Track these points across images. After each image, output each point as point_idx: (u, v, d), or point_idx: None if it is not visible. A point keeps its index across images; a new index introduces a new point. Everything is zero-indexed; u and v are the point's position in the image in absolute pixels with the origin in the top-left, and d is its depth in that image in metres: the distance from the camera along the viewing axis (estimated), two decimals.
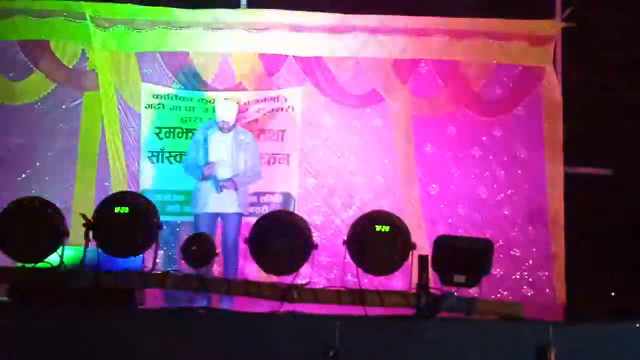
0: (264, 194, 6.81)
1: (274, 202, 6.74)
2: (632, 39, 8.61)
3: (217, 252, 4.58)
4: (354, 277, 4.80)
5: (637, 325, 4.42)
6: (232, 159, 6.11)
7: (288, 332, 4.29)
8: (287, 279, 4.67)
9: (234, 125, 6.25)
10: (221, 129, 6.17)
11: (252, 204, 6.73)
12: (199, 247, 4.52)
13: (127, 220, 4.27)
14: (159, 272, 4.46)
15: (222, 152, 6.08)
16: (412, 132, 7.10)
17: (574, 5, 7.11)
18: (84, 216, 4.34)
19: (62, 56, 7.01)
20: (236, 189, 6.03)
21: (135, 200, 4.43)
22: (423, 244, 6.06)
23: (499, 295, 6.58)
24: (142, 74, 7.00)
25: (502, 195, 7.04)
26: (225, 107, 6.30)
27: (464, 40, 7.08)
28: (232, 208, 6.02)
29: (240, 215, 6.09)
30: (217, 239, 5.87)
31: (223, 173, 6.03)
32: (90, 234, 4.41)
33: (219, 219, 6.08)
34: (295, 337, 4.26)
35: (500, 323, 4.38)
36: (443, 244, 4.44)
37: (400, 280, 5.49)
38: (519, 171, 7.06)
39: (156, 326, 4.24)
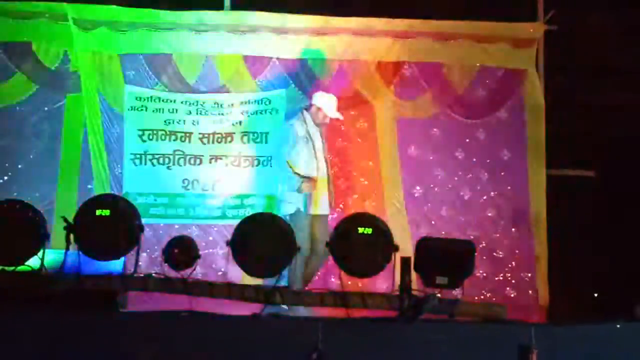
0: (247, 196, 6.80)
1: (257, 205, 6.73)
2: (614, 42, 8.68)
3: (199, 254, 4.57)
4: (337, 279, 4.80)
5: (618, 325, 4.45)
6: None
7: (271, 335, 4.28)
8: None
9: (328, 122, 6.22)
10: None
11: (236, 206, 6.72)
12: (181, 250, 4.51)
13: (108, 222, 4.24)
14: (141, 275, 4.43)
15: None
16: (396, 134, 7.12)
17: (556, 8, 7.16)
18: (64, 219, 4.31)
19: (44, 58, 6.96)
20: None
21: (117, 203, 4.40)
22: (407, 246, 6.08)
23: (482, 297, 6.61)
24: (125, 75, 6.95)
25: (485, 197, 7.07)
26: (329, 101, 6.24)
27: (447, 42, 7.11)
28: (320, 209, 5.99)
29: (327, 216, 6.06)
30: None
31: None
32: (72, 236, 4.37)
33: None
34: (278, 340, 4.25)
35: (483, 324, 4.40)
36: (425, 246, 4.45)
37: (384, 283, 5.50)
38: (502, 173, 7.10)
39: (139, 329, 4.21)
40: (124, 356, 4.14)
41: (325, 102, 6.22)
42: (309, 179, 5.81)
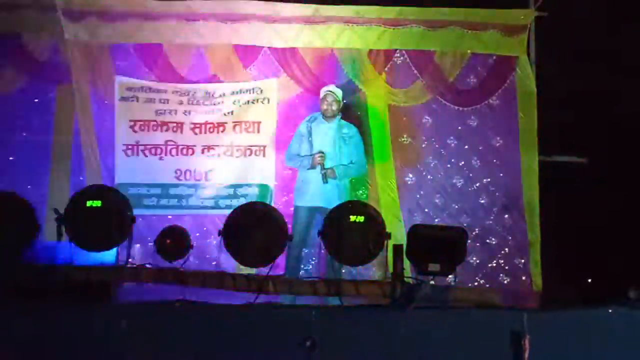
0: (240, 185, 6.80)
1: (251, 194, 6.71)
2: (605, 28, 8.68)
3: (191, 244, 4.56)
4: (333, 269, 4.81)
5: (610, 310, 4.47)
6: (334, 150, 5.99)
7: (264, 324, 4.28)
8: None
9: (338, 112, 6.11)
10: (324, 116, 6.01)
11: (229, 196, 6.71)
12: (173, 240, 4.50)
13: (99, 214, 4.23)
14: (133, 265, 4.43)
15: (326, 144, 5.97)
16: (388, 122, 7.11)
17: None
18: (56, 210, 4.30)
19: (34, 49, 6.93)
20: (334, 177, 5.95)
21: (108, 194, 4.39)
22: (400, 234, 6.10)
23: (475, 284, 6.63)
24: (116, 66, 6.94)
25: (477, 184, 7.07)
26: (330, 87, 6.23)
27: (438, 29, 7.09)
28: (332, 204, 5.83)
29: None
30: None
31: (326, 166, 5.94)
32: (63, 228, 4.37)
33: (318, 214, 5.96)
34: (272, 328, 4.26)
35: (475, 311, 4.41)
36: (417, 233, 4.45)
37: (379, 271, 5.53)
38: (495, 160, 7.10)
39: (132, 320, 4.21)
40: (117, 346, 4.14)
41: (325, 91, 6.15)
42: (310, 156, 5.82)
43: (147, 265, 4.41)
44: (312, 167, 5.85)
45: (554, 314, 4.63)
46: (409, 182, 7.06)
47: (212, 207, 6.75)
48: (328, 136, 5.97)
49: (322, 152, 5.84)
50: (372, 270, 6.15)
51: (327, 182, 5.82)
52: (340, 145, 6.02)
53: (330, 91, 6.25)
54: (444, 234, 4.47)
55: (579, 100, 8.44)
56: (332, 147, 5.93)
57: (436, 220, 6.77)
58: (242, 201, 6.57)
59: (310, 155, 5.89)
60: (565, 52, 8.01)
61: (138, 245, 6.40)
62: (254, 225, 4.43)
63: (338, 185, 6.02)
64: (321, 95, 6.14)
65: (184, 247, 4.49)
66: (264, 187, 6.71)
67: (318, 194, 5.81)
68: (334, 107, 6.10)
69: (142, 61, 6.97)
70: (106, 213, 4.23)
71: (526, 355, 4.13)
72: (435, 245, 4.38)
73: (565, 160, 7.65)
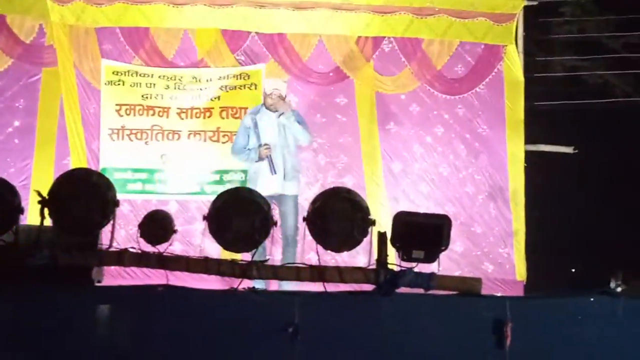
0: (226, 171, 6.77)
1: (237, 180, 6.70)
2: (593, 19, 8.71)
3: (175, 229, 4.54)
4: (317, 254, 4.80)
5: (592, 299, 4.49)
6: (279, 139, 5.94)
7: (247, 309, 4.27)
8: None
9: (283, 101, 6.02)
10: (268, 107, 6.01)
11: (214, 182, 6.70)
12: (157, 224, 4.48)
13: (82, 197, 4.20)
14: (116, 249, 4.41)
15: (272, 134, 5.93)
16: (376, 110, 7.11)
17: None
18: (38, 193, 4.26)
19: (19, 31, 6.88)
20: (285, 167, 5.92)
21: (91, 177, 4.35)
22: (386, 222, 6.09)
23: (460, 272, 6.64)
24: (102, 49, 6.91)
25: (464, 172, 7.09)
26: (273, 81, 6.16)
27: (427, 17, 7.09)
28: (288, 190, 5.92)
29: (296, 197, 5.98)
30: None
31: (275, 155, 5.90)
32: (46, 211, 4.33)
33: (274, 202, 5.87)
34: (255, 314, 4.25)
35: (458, 298, 4.41)
36: (401, 220, 4.43)
37: (365, 258, 5.51)
38: (481, 149, 7.12)
39: (115, 304, 4.19)
40: (98, 330, 4.12)
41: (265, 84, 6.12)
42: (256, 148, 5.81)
43: (131, 249, 4.38)
44: (260, 159, 5.85)
45: (536, 301, 4.65)
46: (395, 170, 7.06)
47: (198, 193, 6.74)
48: (272, 126, 5.92)
49: (268, 145, 5.83)
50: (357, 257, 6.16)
51: (275, 173, 5.82)
52: (283, 131, 5.93)
53: (277, 89, 6.12)
54: (428, 221, 4.45)
55: (566, 90, 8.48)
56: (276, 137, 5.90)
57: (422, 208, 6.77)
58: (228, 187, 6.52)
59: (258, 147, 5.88)
60: (553, 41, 8.05)
61: (122, 231, 6.40)
62: (238, 211, 4.39)
63: (284, 164, 5.94)
64: (267, 91, 6.05)
65: (167, 231, 4.46)
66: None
67: (270, 183, 5.81)
68: (278, 104, 6.03)
69: (129, 45, 6.93)
70: (89, 196, 4.20)
71: (508, 342, 4.14)
72: (420, 232, 4.36)
73: (552, 150, 7.69)
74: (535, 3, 7.30)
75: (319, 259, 4.75)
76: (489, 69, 7.12)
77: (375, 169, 7.02)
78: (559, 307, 4.44)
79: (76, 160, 6.66)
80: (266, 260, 4.68)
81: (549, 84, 8.23)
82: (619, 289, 6.75)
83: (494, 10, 7.08)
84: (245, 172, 6.69)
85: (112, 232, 4.41)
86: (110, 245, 4.40)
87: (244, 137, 6.01)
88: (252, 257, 4.53)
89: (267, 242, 5.65)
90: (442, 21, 7.08)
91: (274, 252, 5.96)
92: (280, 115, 5.95)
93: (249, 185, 5.97)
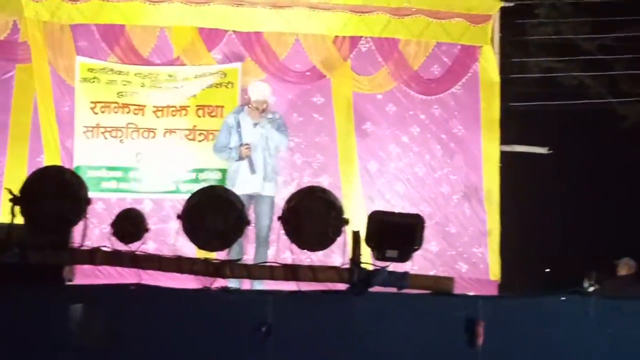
0: (202, 170, 6.74)
1: (213, 179, 6.67)
2: (568, 21, 8.79)
3: (148, 227, 4.52)
4: (293, 253, 4.80)
5: (564, 299, 4.53)
6: (261, 141, 5.91)
7: (221, 308, 4.26)
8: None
9: (267, 107, 6.00)
10: (252, 114, 5.92)
11: (190, 181, 6.66)
12: (129, 223, 4.45)
13: (54, 195, 4.16)
14: (88, 247, 4.37)
15: (254, 135, 5.90)
16: (352, 110, 7.11)
17: None
18: (9, 191, 4.21)
19: None
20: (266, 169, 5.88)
21: (63, 175, 4.31)
22: (362, 221, 6.09)
23: (435, 271, 6.67)
24: (77, 46, 6.85)
25: (439, 172, 7.12)
26: (259, 88, 6.06)
27: (404, 18, 7.11)
28: (266, 190, 5.87)
29: (273, 198, 5.93)
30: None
31: (255, 156, 5.88)
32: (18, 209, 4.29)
33: (252, 202, 5.87)
34: (228, 313, 4.24)
35: (431, 297, 4.43)
36: (375, 220, 4.44)
37: (340, 257, 5.52)
38: (457, 149, 7.15)
39: (88, 302, 4.16)
40: (70, 329, 4.08)
41: (251, 89, 6.09)
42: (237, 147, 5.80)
43: (103, 248, 4.35)
44: (240, 158, 5.84)
45: (508, 301, 4.68)
46: (371, 170, 7.08)
47: (173, 192, 6.70)
48: (255, 128, 5.92)
49: (248, 144, 5.82)
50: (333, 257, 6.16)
51: (255, 173, 5.81)
52: (267, 131, 5.92)
53: (261, 92, 6.08)
54: (401, 221, 4.47)
55: (542, 91, 8.56)
56: (259, 138, 5.89)
57: (397, 207, 6.78)
58: (204, 185, 6.50)
59: (239, 146, 5.86)
60: (529, 42, 8.13)
61: (96, 229, 6.35)
62: (212, 209, 4.38)
63: (264, 165, 5.93)
64: (253, 96, 6.01)
65: (140, 230, 4.43)
66: (226, 172, 6.63)
67: (248, 182, 5.81)
68: (264, 106, 6.00)
69: (104, 42, 6.89)
70: (61, 194, 4.16)
71: (480, 341, 4.16)
72: (393, 231, 4.38)
73: (526, 151, 7.75)
74: (511, 4, 7.35)
75: (292, 258, 4.75)
76: (465, 69, 7.16)
77: (351, 169, 7.03)
78: (531, 307, 4.47)
79: (50, 157, 6.60)
80: (240, 260, 4.67)
81: (524, 85, 8.30)
82: (591, 289, 6.85)
83: (471, 11, 7.12)
84: (221, 170, 6.67)
85: (84, 231, 4.37)
86: (82, 244, 4.36)
87: (226, 136, 5.99)
88: (228, 255, 4.52)
89: (244, 241, 5.69)
90: (419, 21, 7.11)
91: (250, 251, 5.98)
92: (255, 125, 5.93)
93: (228, 183, 5.96)
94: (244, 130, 5.90)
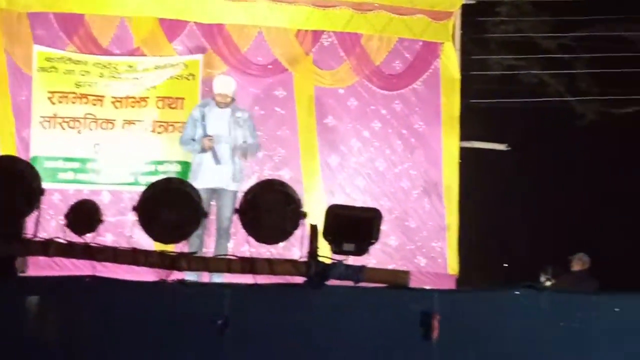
0: (161, 162, 6.68)
1: (172, 171, 6.62)
2: (529, 20, 8.90)
3: (102, 219, 4.46)
4: (252, 246, 4.80)
5: (518, 292, 4.59)
6: (229, 134, 5.85)
7: (176, 301, 4.23)
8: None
9: (232, 101, 5.98)
10: (218, 105, 5.91)
11: (149, 173, 6.60)
12: (83, 214, 4.39)
13: (6, 185, 4.09)
14: (42, 239, 4.30)
15: (220, 127, 5.84)
16: (314, 104, 7.11)
17: None
18: None
19: None
20: (245, 158, 5.87)
21: (15, 165, 4.24)
22: (322, 215, 6.10)
23: (394, 265, 6.71)
24: (35, 35, 6.73)
25: (399, 167, 7.16)
26: (223, 82, 6.02)
27: (366, 13, 7.13)
28: (229, 185, 5.83)
29: (236, 192, 5.86)
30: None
31: (221, 148, 5.82)
32: None
33: (214, 195, 5.85)
34: (185, 306, 4.21)
35: (387, 290, 4.45)
36: (333, 213, 4.45)
37: (299, 251, 5.52)
38: (417, 144, 7.19)
39: (42, 295, 4.10)
40: (22, 323, 4.02)
41: (215, 82, 6.08)
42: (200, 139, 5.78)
43: (57, 240, 4.28)
44: (203, 150, 5.82)
45: (464, 294, 4.72)
46: (332, 164, 7.09)
47: (131, 183, 6.63)
48: (222, 120, 5.86)
49: (211, 136, 5.80)
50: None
51: (219, 163, 5.79)
52: (235, 128, 5.91)
53: (224, 86, 6.06)
54: (359, 215, 4.49)
55: (502, 88, 8.65)
56: (225, 131, 5.86)
57: (358, 202, 6.81)
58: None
59: (202, 138, 5.84)
60: (490, 39, 8.20)
61: (53, 221, 6.26)
62: (168, 202, 4.34)
63: (233, 165, 5.92)
64: (216, 90, 5.99)
65: (94, 221, 4.38)
66: (185, 165, 6.60)
67: (212, 175, 5.78)
68: (227, 100, 5.98)
69: (63, 31, 6.78)
70: (13, 184, 4.09)
71: (435, 334, 4.20)
72: (351, 225, 4.39)
73: (486, 147, 7.83)
74: (472, 2, 7.42)
75: (251, 251, 4.74)
76: (426, 65, 7.20)
77: (312, 163, 7.04)
78: (486, 300, 4.51)
79: (5, 147, 6.50)
80: (197, 252, 4.64)
81: (485, 82, 8.38)
82: (548, 284, 6.95)
83: (433, 7, 7.16)
84: (181, 163, 6.62)
85: (37, 222, 4.31)
86: (35, 235, 4.30)
87: (192, 129, 5.96)
88: (188, 248, 4.49)
89: (204, 234, 5.66)
90: (381, 17, 7.13)
91: (211, 245, 5.95)
92: (236, 111, 5.90)
93: (191, 176, 5.92)
94: (209, 123, 5.87)
